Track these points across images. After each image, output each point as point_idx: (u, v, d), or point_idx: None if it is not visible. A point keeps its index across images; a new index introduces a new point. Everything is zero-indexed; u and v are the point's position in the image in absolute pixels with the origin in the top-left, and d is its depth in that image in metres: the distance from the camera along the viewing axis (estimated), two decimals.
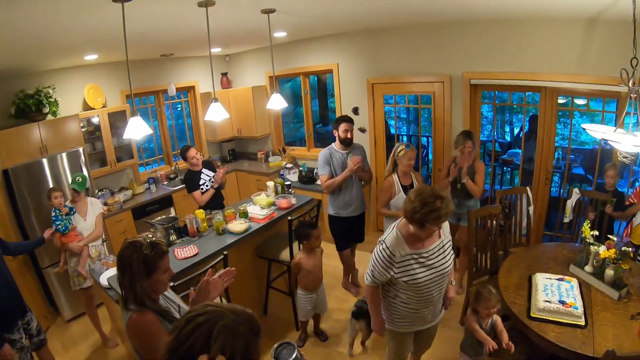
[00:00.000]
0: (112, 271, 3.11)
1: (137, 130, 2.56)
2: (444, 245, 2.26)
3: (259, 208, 3.84)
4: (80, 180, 3.67)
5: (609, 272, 2.62)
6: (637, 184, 4.04)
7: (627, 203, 3.63)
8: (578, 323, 2.33)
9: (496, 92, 4.72)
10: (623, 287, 2.57)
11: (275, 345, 1.30)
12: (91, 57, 4.48)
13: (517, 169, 6.17)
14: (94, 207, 3.87)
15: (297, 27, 4.42)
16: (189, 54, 6.01)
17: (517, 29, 4.02)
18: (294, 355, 1.37)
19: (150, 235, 1.79)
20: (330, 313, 3.92)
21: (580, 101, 4.59)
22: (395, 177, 3.54)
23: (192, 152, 4.25)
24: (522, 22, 3.97)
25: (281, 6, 3.10)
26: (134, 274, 1.70)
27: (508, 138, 8.33)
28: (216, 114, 3.20)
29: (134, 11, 2.42)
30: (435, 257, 2.21)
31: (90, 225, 3.78)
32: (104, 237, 4.39)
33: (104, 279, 3.07)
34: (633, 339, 2.21)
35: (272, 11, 3.16)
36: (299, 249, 3.53)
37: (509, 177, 6.57)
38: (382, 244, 2.22)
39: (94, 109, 4.99)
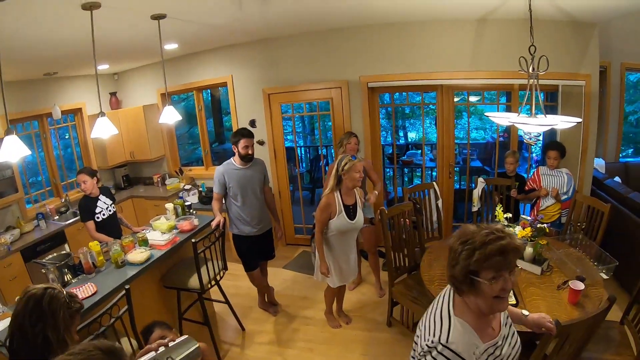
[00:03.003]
0: (2, 324, 2.55)
1: (13, 151, 2.17)
2: (507, 317, 1.53)
3: (160, 233, 3.51)
4: None
5: (528, 250, 2.74)
6: (532, 169, 4.39)
7: (527, 188, 3.93)
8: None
9: (394, 96, 4.89)
10: (544, 262, 2.71)
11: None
12: None
13: (417, 169, 6.53)
14: None
15: (189, 37, 4.23)
16: (74, 73, 5.48)
17: (411, 31, 4.21)
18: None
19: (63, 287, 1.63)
20: (251, 336, 3.70)
21: (473, 98, 4.95)
22: (337, 194, 3.08)
23: (88, 180, 3.86)
24: (415, 24, 4.17)
25: (172, 12, 2.95)
26: (60, 325, 1.48)
27: (402, 141, 8.87)
28: (103, 130, 2.86)
29: (9, 14, 2.17)
30: (509, 337, 1.46)
31: None
32: None
33: None
34: (565, 308, 2.32)
35: (162, 17, 2.99)
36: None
37: (406, 178, 6.90)
38: (443, 352, 1.29)
39: None
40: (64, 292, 1.57)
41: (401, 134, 9.31)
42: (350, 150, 3.83)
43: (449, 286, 1.44)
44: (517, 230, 2.82)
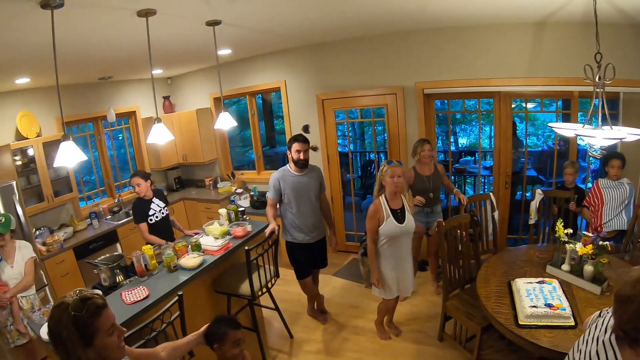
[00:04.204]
0: None
1: (69, 156, 2.21)
2: None
3: (213, 239, 3.52)
4: (3, 220, 3.21)
5: (588, 268, 2.57)
6: (590, 179, 4.11)
7: (585, 204, 3.69)
8: (568, 324, 2.24)
9: (450, 102, 4.74)
10: (604, 281, 2.54)
11: None
12: (23, 81, 4.10)
13: (471, 177, 6.29)
14: (22, 251, 3.37)
15: (243, 42, 4.24)
16: (128, 77, 5.65)
17: (467, 36, 4.06)
18: None
19: (80, 290, 1.42)
20: (299, 344, 3.65)
21: (530, 104, 4.71)
22: (382, 200, 3.07)
23: (142, 183, 3.95)
24: (472, 29, 4.02)
25: (227, 18, 2.95)
26: (69, 347, 1.31)
27: (453, 148, 8.55)
28: (160, 136, 2.90)
29: (66, 22, 2.19)
30: None
31: (19, 273, 3.28)
32: (45, 281, 4.00)
33: (44, 333, 2.61)
34: None
35: (217, 23, 3.00)
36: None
37: (456, 186, 6.62)
38: None
39: (27, 138, 4.52)
40: (70, 304, 1.35)
41: (452, 139, 9.05)
42: (425, 157, 3.86)
43: (604, 336, 1.38)
44: (578, 247, 2.65)
